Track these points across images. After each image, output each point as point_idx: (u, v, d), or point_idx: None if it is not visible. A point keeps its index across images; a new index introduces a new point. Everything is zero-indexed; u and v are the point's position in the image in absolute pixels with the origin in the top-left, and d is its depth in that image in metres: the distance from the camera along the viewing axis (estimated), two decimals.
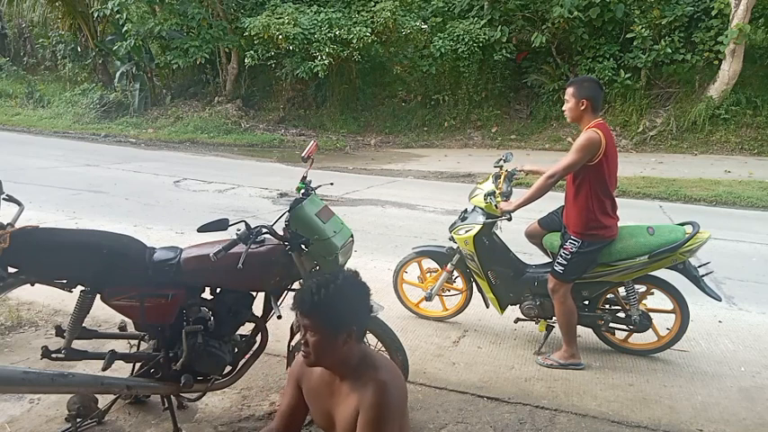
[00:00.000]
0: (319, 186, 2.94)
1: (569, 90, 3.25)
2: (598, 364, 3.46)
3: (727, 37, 11.03)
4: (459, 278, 3.97)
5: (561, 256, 3.31)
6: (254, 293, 2.64)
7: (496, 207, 3.41)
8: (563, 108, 3.37)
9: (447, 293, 4.05)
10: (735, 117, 11.62)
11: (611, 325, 3.55)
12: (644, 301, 3.55)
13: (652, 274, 3.41)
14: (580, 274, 3.34)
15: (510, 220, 3.39)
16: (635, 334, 3.58)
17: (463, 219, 3.71)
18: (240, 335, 2.67)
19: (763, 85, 12.04)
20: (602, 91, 3.30)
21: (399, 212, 7.36)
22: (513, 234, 3.79)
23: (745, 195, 8.17)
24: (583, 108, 3.19)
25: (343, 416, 1.72)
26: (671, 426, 2.82)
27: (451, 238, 3.76)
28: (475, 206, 3.67)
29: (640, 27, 11.81)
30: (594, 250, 3.28)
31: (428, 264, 4.03)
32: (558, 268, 3.31)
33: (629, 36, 12.25)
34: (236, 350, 2.62)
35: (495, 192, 3.47)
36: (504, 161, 3.76)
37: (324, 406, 1.81)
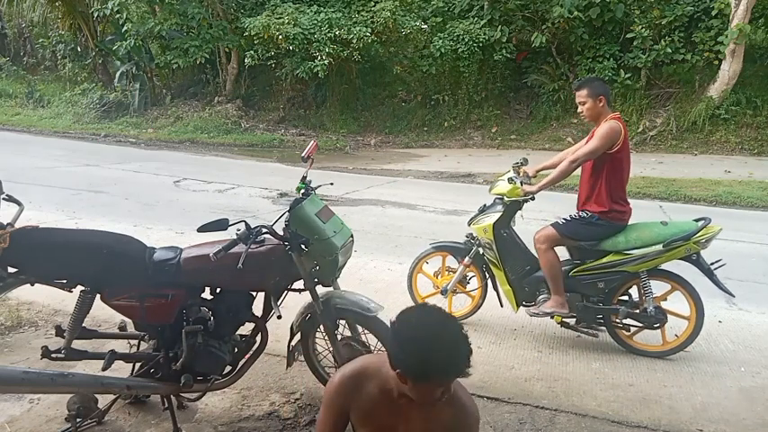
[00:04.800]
0: (319, 186, 2.94)
1: (583, 92, 3.43)
2: (598, 365, 3.46)
3: (727, 37, 11.03)
4: (473, 279, 3.99)
5: (569, 215, 3.53)
6: (254, 293, 2.64)
7: (521, 185, 3.55)
8: (579, 111, 3.54)
9: (457, 293, 4.06)
10: (735, 117, 11.61)
11: (626, 321, 3.56)
12: (662, 303, 3.54)
13: (677, 273, 3.46)
14: (575, 237, 3.51)
15: (533, 200, 3.61)
16: (645, 336, 3.60)
17: (482, 211, 3.80)
18: (240, 335, 2.67)
19: (763, 85, 12.04)
20: (607, 85, 3.59)
21: (399, 212, 7.36)
22: (526, 236, 3.80)
23: (745, 195, 8.17)
24: (601, 105, 3.42)
25: (418, 431, 1.70)
26: (671, 426, 2.82)
27: (468, 235, 3.86)
28: (495, 198, 3.75)
29: (640, 27, 11.81)
30: (600, 225, 3.43)
31: (450, 262, 4.06)
32: (560, 221, 3.53)
33: (629, 36, 12.25)
34: (236, 350, 2.62)
35: (518, 175, 3.63)
36: (521, 165, 3.81)
37: (382, 424, 1.73)
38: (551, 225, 3.55)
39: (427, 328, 1.55)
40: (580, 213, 3.51)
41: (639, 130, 12.08)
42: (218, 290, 2.59)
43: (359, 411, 1.74)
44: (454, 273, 3.95)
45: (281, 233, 2.48)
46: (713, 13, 11.55)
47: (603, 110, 3.42)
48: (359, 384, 1.73)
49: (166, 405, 2.56)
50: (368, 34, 12.59)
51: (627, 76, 12.11)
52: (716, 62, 11.68)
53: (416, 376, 1.53)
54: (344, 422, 1.78)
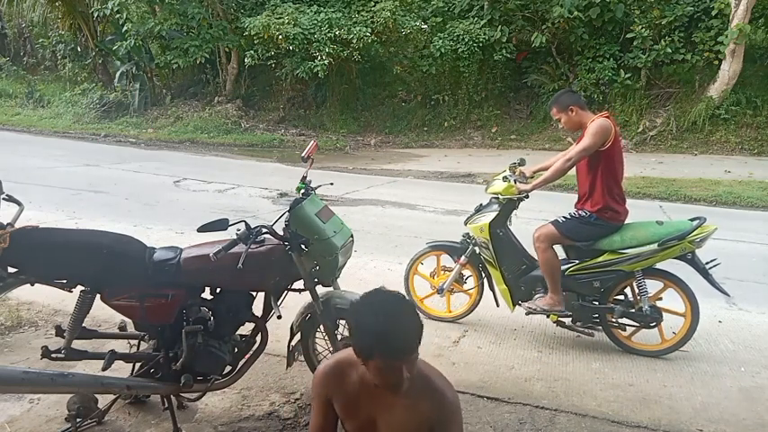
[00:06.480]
0: (319, 186, 2.94)
1: (554, 110, 3.56)
2: (598, 365, 3.46)
3: (727, 37, 11.03)
4: (469, 278, 4.00)
5: (568, 213, 3.55)
6: (254, 293, 2.64)
7: (515, 183, 3.56)
8: (561, 127, 3.68)
9: (455, 291, 4.07)
10: (735, 117, 11.61)
11: (621, 320, 3.57)
12: (657, 303, 3.54)
13: (670, 271, 3.48)
14: (573, 236, 3.52)
15: (528, 198, 3.64)
16: (641, 335, 3.61)
17: (478, 210, 3.81)
18: (240, 335, 2.67)
19: (763, 85, 12.03)
20: (577, 92, 3.72)
21: (399, 212, 7.36)
22: (524, 235, 3.81)
23: (745, 195, 8.16)
24: (574, 114, 3.48)
25: (397, 422, 1.69)
26: (671, 426, 2.82)
27: (464, 234, 3.87)
28: (491, 198, 3.76)
29: (640, 27, 11.80)
30: (598, 225, 3.45)
31: (445, 261, 4.07)
32: (560, 219, 3.54)
33: (629, 36, 12.24)
34: (236, 350, 2.62)
35: (513, 174, 3.65)
36: (518, 165, 3.82)
37: (364, 415, 1.74)
38: (551, 223, 3.56)
39: (373, 306, 1.59)
40: (579, 212, 3.52)
41: (639, 130, 12.08)
42: (218, 290, 2.59)
43: (342, 402, 1.76)
44: (450, 272, 3.96)
45: (281, 233, 2.48)
46: (713, 13, 11.54)
47: (581, 117, 3.48)
48: (341, 373, 1.75)
49: (166, 405, 2.56)
50: (368, 34, 12.58)
51: (627, 76, 12.11)
52: (716, 62, 11.67)
53: (363, 353, 1.56)
54: (334, 413, 1.79)
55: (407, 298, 1.68)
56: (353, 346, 1.61)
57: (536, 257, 3.67)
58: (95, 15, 15.02)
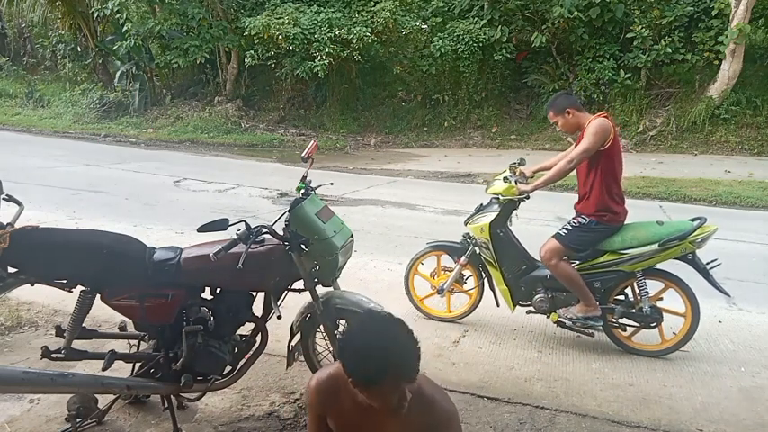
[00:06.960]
0: (319, 186, 2.94)
1: (550, 114, 3.55)
2: (598, 365, 3.46)
3: (727, 37, 11.03)
4: (470, 278, 4.00)
5: (568, 223, 3.53)
6: (254, 293, 2.64)
7: (516, 183, 3.56)
8: (558, 130, 3.63)
9: (455, 291, 4.07)
10: (735, 117, 11.61)
11: (621, 320, 3.57)
12: (658, 303, 3.54)
13: (670, 271, 3.47)
14: (578, 247, 3.50)
15: (528, 198, 3.62)
16: (641, 335, 3.60)
17: (479, 211, 3.81)
18: (240, 335, 2.67)
19: (763, 85, 12.03)
20: (572, 94, 3.67)
21: (399, 212, 7.36)
22: (523, 235, 3.80)
23: (745, 195, 8.16)
24: (571, 116, 3.48)
25: None
26: (671, 426, 2.82)
27: (464, 235, 3.87)
28: (491, 198, 3.76)
29: (640, 27, 11.80)
30: (599, 230, 3.44)
31: (445, 261, 4.07)
32: (562, 231, 3.51)
33: (629, 36, 12.24)
34: (236, 350, 2.62)
35: (513, 175, 3.65)
36: (519, 165, 3.82)
37: None
38: (554, 237, 3.53)
39: (366, 333, 1.57)
40: (579, 220, 3.48)
41: (639, 130, 12.08)
42: (218, 290, 2.59)
43: (338, 421, 1.74)
44: (450, 272, 3.96)
45: (281, 233, 2.48)
46: (713, 13, 11.54)
47: (578, 119, 3.48)
48: (336, 390, 1.72)
49: (166, 405, 2.56)
50: (368, 34, 12.59)
51: (627, 76, 12.11)
52: (716, 62, 11.67)
53: (362, 382, 1.54)
54: (328, 428, 1.78)
55: (396, 316, 1.65)
56: (353, 377, 1.55)
57: (536, 258, 3.68)
58: (95, 15, 15.02)
